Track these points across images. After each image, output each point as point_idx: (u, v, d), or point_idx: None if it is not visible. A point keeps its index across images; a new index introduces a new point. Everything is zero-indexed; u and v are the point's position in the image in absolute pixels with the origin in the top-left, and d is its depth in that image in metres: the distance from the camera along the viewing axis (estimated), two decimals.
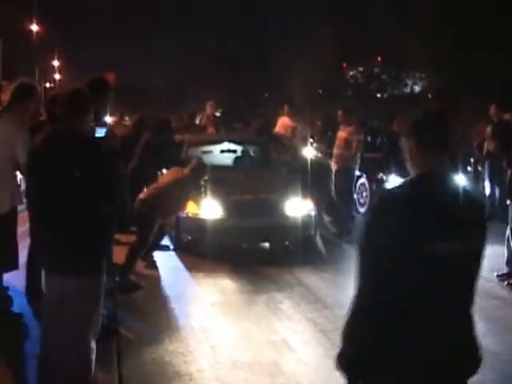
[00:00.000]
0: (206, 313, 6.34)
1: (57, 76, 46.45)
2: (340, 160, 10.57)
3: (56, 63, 47.22)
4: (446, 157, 2.62)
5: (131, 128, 10.76)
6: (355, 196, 12.12)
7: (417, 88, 36.89)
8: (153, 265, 7.77)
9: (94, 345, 4.05)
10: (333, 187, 10.56)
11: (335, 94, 34.26)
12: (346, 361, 2.53)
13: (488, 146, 7.81)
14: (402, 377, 2.50)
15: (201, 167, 7.49)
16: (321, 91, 35.52)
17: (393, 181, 11.51)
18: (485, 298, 6.84)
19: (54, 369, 3.97)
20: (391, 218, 2.46)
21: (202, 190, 7.72)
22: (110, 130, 5.40)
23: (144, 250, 7.24)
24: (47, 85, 42.84)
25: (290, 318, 6.19)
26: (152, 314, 6.23)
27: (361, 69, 39.02)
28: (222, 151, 10.24)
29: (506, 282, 7.41)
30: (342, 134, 10.61)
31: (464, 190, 2.64)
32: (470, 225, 2.56)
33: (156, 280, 7.37)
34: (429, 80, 33.62)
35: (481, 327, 5.70)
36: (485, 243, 2.61)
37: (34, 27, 35.66)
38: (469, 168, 12.07)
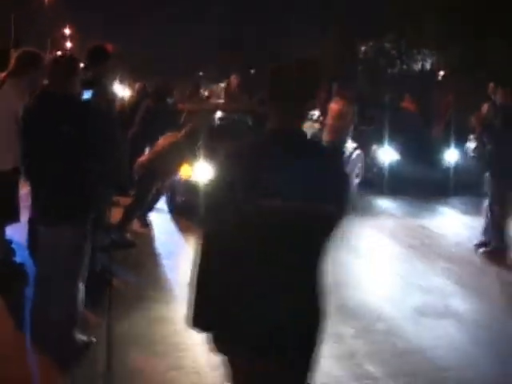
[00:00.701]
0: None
1: (68, 44, 46.67)
2: (333, 131, 10.96)
3: (67, 31, 47.45)
4: (297, 111, 2.53)
5: (135, 95, 11.21)
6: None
7: (427, 65, 36.72)
8: (148, 225, 8.25)
9: (82, 286, 4.55)
10: None
11: (347, 69, 34.21)
12: (196, 318, 2.52)
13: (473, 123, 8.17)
14: (241, 330, 2.50)
15: (194, 132, 7.85)
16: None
17: (385, 151, 11.94)
18: (460, 264, 7.34)
19: (44, 313, 4.46)
20: (232, 171, 2.45)
21: (197, 154, 8.02)
22: (99, 93, 5.77)
23: (140, 210, 7.71)
24: (59, 53, 42.98)
25: None
26: (143, 268, 6.72)
27: (371, 44, 38.74)
28: (220, 119, 10.65)
29: (481, 250, 7.84)
30: (335, 105, 10.99)
31: (319, 146, 2.69)
32: (318, 183, 2.47)
33: (150, 239, 7.85)
34: (440, 57, 33.49)
35: (454, 290, 6.24)
36: (340, 202, 2.54)
37: None
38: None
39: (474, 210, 8.29)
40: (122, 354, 4.63)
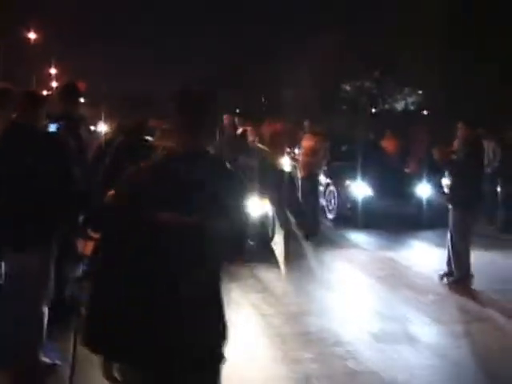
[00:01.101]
0: None
1: (54, 84, 47.20)
2: (307, 167, 11.28)
3: (53, 71, 48.04)
4: (194, 138, 2.67)
5: (112, 132, 11.44)
6: (324, 203, 12.84)
7: (410, 104, 37.35)
8: None
9: (45, 311, 4.73)
10: (299, 194, 11.23)
11: (332, 108, 34.71)
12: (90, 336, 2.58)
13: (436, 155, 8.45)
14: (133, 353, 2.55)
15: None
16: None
17: (358, 187, 12.21)
18: (422, 293, 7.55)
19: (9, 336, 4.63)
20: (129, 187, 2.67)
21: None
22: (66, 127, 6.02)
23: None
24: (44, 92, 43.50)
25: (237, 303, 6.83)
26: None
27: (357, 83, 39.31)
28: None
29: (445, 280, 8.06)
30: (308, 142, 11.34)
31: (219, 164, 2.74)
32: (209, 200, 2.56)
33: None
34: (423, 96, 34.12)
35: (413, 318, 6.42)
36: (234, 218, 2.65)
37: (32, 35, 36.44)
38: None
39: (445, 243, 8.51)
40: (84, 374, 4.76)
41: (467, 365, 5.42)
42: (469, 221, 7.91)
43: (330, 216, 12.70)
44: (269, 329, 6.12)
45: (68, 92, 6.46)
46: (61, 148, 4.84)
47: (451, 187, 8.29)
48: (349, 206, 12.29)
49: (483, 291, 7.60)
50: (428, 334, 6.23)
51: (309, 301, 7.12)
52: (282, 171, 10.73)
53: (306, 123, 12.09)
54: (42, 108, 4.84)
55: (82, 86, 6.78)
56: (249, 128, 11.33)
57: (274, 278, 8.07)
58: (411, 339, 5.95)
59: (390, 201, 11.89)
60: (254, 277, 7.98)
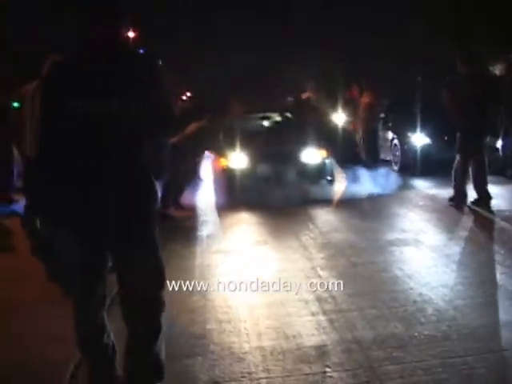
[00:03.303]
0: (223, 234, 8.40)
1: None
2: (365, 121, 12.40)
3: None
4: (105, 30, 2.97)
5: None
6: (391, 157, 13.81)
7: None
8: (183, 207, 9.74)
9: None
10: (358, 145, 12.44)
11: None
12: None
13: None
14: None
15: (211, 119, 9.50)
16: None
17: (419, 139, 13.05)
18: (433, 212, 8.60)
19: None
20: (49, 79, 2.94)
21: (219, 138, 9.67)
22: None
23: (172, 191, 9.29)
24: None
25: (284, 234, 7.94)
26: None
27: None
28: (262, 117, 12.31)
29: (450, 202, 9.07)
30: (365, 99, 12.44)
31: (130, 53, 3.11)
32: (127, 86, 2.90)
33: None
34: None
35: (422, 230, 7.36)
36: (155, 96, 2.99)
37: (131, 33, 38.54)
38: None
39: None
40: None
41: (456, 256, 6.44)
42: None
43: (396, 168, 13.58)
44: (307, 253, 6.94)
45: None
46: None
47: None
48: (410, 156, 13.15)
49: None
50: (429, 239, 7.23)
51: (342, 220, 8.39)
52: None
53: (363, 82, 13.20)
54: None
55: None
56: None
57: (326, 216, 9.07)
58: (417, 242, 7.00)
59: (446, 149, 12.59)
60: (306, 214, 9.05)
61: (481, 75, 8.95)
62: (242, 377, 3.82)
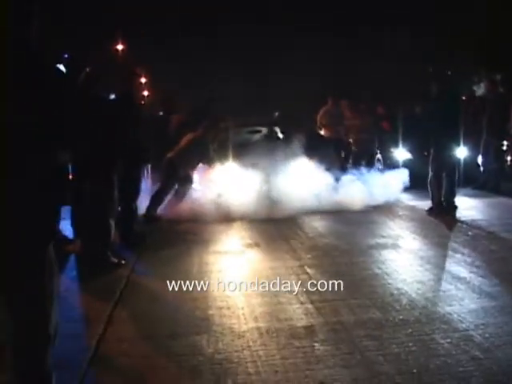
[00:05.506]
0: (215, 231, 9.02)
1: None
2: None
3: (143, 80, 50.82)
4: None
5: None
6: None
7: None
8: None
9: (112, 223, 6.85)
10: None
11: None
12: None
13: None
14: None
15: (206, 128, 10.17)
16: None
17: (400, 154, 13.81)
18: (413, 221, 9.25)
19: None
20: None
21: (214, 146, 10.38)
22: None
23: (165, 194, 9.93)
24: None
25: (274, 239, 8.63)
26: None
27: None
28: (250, 131, 13.02)
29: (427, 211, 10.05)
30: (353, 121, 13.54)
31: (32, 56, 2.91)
32: (30, 97, 2.78)
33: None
34: None
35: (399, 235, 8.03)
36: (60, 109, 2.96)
37: (119, 46, 38.98)
38: None
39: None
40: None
41: (430, 258, 7.12)
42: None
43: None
44: (295, 253, 7.77)
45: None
46: None
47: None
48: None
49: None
50: (405, 243, 7.98)
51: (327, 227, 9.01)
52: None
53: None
54: None
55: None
56: None
57: (316, 222, 9.78)
58: (395, 246, 7.69)
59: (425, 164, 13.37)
60: (293, 219, 9.78)
61: (451, 94, 9.87)
62: (243, 349, 4.46)
